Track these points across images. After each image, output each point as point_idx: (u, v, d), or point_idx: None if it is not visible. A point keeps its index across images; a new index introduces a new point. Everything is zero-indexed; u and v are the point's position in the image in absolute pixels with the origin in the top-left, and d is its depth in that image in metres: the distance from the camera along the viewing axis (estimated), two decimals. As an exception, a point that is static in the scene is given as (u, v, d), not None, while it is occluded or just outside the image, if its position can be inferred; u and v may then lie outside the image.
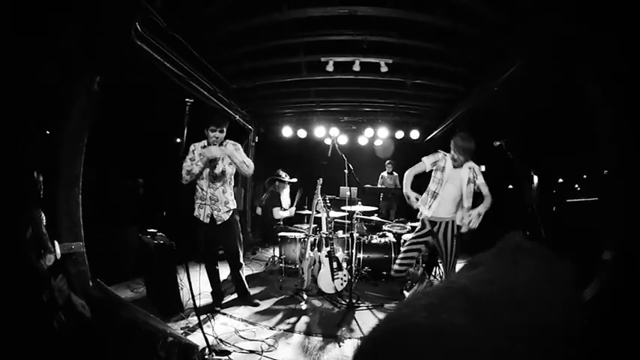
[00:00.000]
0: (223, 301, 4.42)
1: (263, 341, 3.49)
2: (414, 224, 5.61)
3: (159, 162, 6.76)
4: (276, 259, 6.15)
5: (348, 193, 5.92)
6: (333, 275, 4.56)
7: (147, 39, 3.88)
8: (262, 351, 3.29)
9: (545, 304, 0.61)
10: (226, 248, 4.30)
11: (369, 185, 8.50)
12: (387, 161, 9.40)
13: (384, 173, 9.44)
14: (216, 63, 5.42)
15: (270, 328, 3.85)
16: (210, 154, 3.88)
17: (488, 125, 7.16)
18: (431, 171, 4.09)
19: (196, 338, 3.26)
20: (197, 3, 3.98)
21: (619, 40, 3.32)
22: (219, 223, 4.11)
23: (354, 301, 4.42)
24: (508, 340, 0.53)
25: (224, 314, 4.18)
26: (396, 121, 8.69)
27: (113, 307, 2.65)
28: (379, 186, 9.25)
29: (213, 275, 4.34)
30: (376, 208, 6.66)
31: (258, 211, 7.02)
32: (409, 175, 4.14)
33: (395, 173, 9.38)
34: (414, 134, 8.69)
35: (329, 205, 4.91)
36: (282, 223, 6.50)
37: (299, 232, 5.92)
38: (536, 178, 11.38)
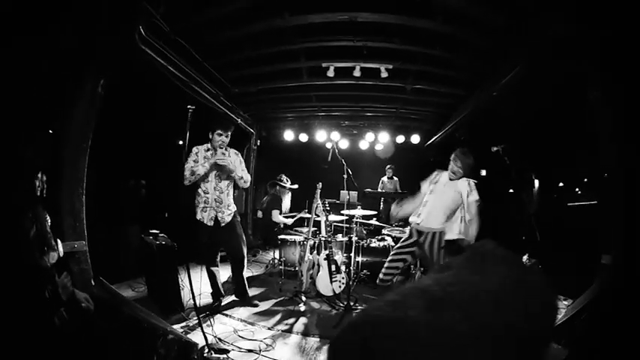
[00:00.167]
0: (223, 302, 4.46)
1: (261, 341, 3.55)
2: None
3: (160, 163, 6.82)
4: (276, 261, 6.21)
5: (348, 197, 5.97)
6: (331, 278, 4.61)
7: (150, 43, 3.95)
8: (260, 350, 3.36)
9: (506, 307, 0.67)
10: (230, 249, 4.34)
11: (369, 189, 8.54)
12: (388, 166, 9.44)
13: (385, 178, 9.47)
14: (218, 67, 5.49)
15: (269, 329, 3.90)
16: (224, 162, 3.97)
17: (489, 130, 7.20)
18: None
19: (196, 337, 3.32)
20: (200, 8, 4.03)
21: (619, 40, 3.32)
22: (223, 224, 4.17)
23: (351, 303, 4.46)
24: (456, 334, 0.59)
25: (223, 314, 4.24)
26: (396, 126, 8.74)
27: (115, 304, 2.71)
28: (379, 190, 9.28)
29: (213, 276, 4.38)
30: (376, 212, 6.70)
31: (259, 214, 7.07)
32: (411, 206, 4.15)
33: (395, 178, 9.41)
34: (415, 139, 8.73)
35: (328, 209, 4.98)
36: (282, 226, 6.56)
37: (299, 235, 5.98)
38: (537, 182, 11.42)
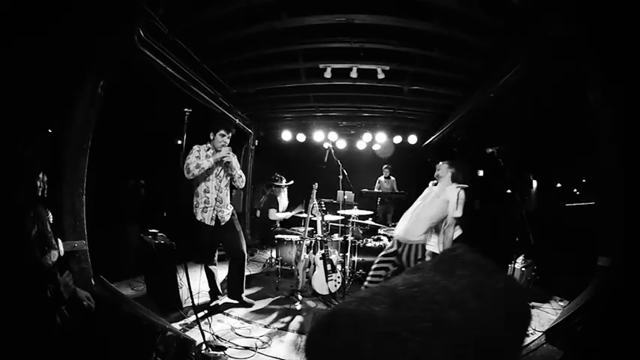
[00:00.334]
0: (221, 300, 4.50)
1: (258, 339, 3.61)
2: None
3: (160, 163, 6.87)
4: (273, 260, 6.26)
5: (345, 197, 6.03)
6: (326, 277, 4.68)
7: (149, 44, 3.98)
8: (256, 348, 3.42)
9: (463, 308, 0.73)
10: (231, 248, 4.38)
11: (365, 189, 8.59)
12: (385, 166, 9.48)
13: (382, 178, 9.50)
14: (217, 68, 5.53)
15: (265, 327, 3.97)
16: (229, 159, 4.07)
17: (486, 130, 7.24)
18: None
19: (194, 334, 3.39)
20: (198, 10, 4.07)
21: (619, 40, 3.33)
22: (223, 224, 4.23)
23: (347, 302, 4.50)
24: (413, 329, 0.66)
25: (221, 312, 4.29)
26: (394, 126, 8.79)
27: (115, 302, 2.77)
28: (376, 190, 9.33)
29: (211, 275, 4.43)
30: (372, 212, 6.77)
31: (257, 213, 7.13)
32: None
33: (392, 178, 9.45)
34: (412, 139, 8.79)
35: (324, 209, 5.04)
36: (279, 225, 6.61)
37: (295, 234, 6.04)
38: (535, 183, 11.49)
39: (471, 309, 0.71)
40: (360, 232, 6.70)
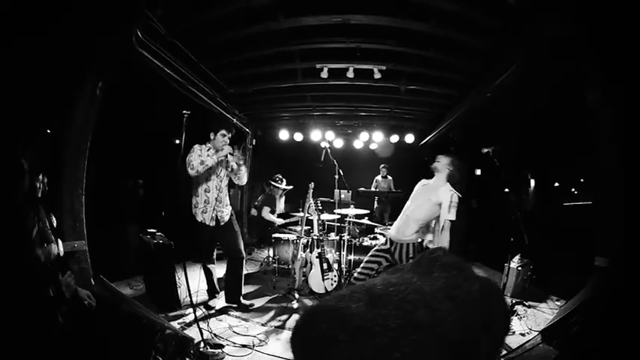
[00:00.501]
0: (218, 305, 4.51)
1: (255, 336, 3.67)
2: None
3: (158, 162, 6.89)
4: (270, 259, 6.31)
5: (342, 196, 6.07)
6: (323, 276, 4.73)
7: (147, 45, 4.01)
8: (254, 345, 3.48)
9: (435, 309, 0.78)
10: (229, 248, 4.39)
11: (362, 189, 8.62)
12: (382, 165, 9.51)
13: (379, 177, 9.53)
14: (214, 68, 5.55)
15: (262, 325, 4.02)
16: (233, 158, 4.16)
17: (483, 130, 7.28)
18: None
19: (192, 332, 3.45)
20: (196, 11, 4.08)
21: (619, 40, 3.34)
22: (222, 224, 4.25)
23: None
24: (385, 326, 0.71)
25: (219, 311, 4.34)
26: (391, 126, 8.82)
27: (115, 301, 2.81)
28: (373, 189, 9.36)
29: (209, 273, 4.48)
30: (368, 211, 6.81)
31: (253, 212, 7.17)
32: None
33: (389, 177, 9.48)
34: (409, 138, 8.82)
35: (320, 208, 5.08)
36: (276, 225, 6.65)
37: (292, 233, 6.08)
38: (533, 182, 11.53)
39: (442, 309, 0.76)
40: (357, 231, 6.75)
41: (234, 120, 7.38)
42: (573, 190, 11.40)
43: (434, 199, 3.66)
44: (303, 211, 5.59)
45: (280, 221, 6.66)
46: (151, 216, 6.46)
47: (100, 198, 4.57)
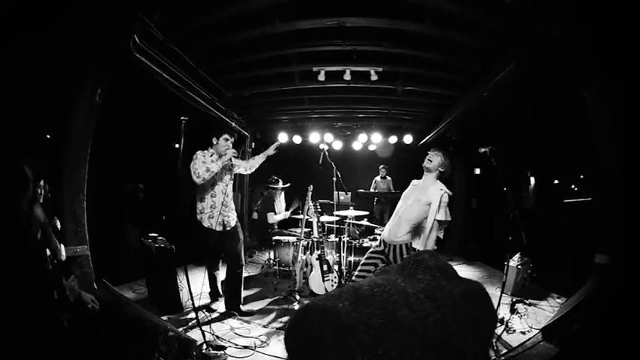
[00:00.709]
0: (220, 302, 4.55)
1: (257, 338, 3.71)
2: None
3: (159, 165, 6.93)
4: (271, 261, 6.34)
5: (342, 198, 6.10)
6: (323, 277, 4.76)
7: (145, 51, 4.04)
8: (255, 347, 3.51)
9: (416, 310, 0.82)
10: (231, 254, 4.34)
11: (362, 190, 8.63)
12: (381, 166, 9.53)
13: (378, 178, 9.56)
14: (212, 73, 5.59)
15: (264, 326, 4.06)
16: (237, 161, 4.31)
17: (481, 130, 7.31)
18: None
19: (195, 334, 3.48)
20: (194, 15, 4.11)
21: (619, 40, 3.34)
22: (229, 229, 4.25)
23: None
24: (368, 325, 0.76)
25: (221, 313, 4.37)
26: (389, 127, 8.82)
27: (118, 304, 2.85)
28: (372, 190, 9.37)
29: (214, 279, 4.53)
30: (368, 212, 6.83)
31: (254, 215, 7.20)
32: None
33: (388, 177, 9.51)
34: (408, 139, 8.82)
35: (319, 210, 5.11)
36: (276, 227, 6.68)
37: (292, 235, 6.12)
38: (532, 180, 11.54)
39: (424, 310, 0.80)
40: (357, 232, 6.77)
41: (233, 124, 7.42)
42: (573, 187, 11.40)
43: (423, 199, 3.61)
44: (302, 213, 5.62)
45: (287, 214, 6.66)
46: (151, 220, 6.48)
47: (101, 202, 4.59)
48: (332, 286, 4.79)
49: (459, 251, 8.41)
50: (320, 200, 5.33)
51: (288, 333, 0.84)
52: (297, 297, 4.86)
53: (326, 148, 5.78)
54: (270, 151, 4.81)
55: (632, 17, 3.15)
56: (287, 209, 6.89)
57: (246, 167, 4.71)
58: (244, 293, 4.65)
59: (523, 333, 3.92)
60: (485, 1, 3.73)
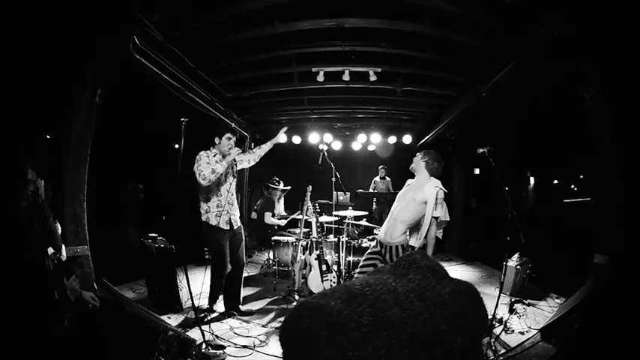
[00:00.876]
0: (220, 301, 4.50)
1: (256, 337, 3.72)
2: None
3: (159, 164, 6.93)
4: (270, 261, 6.36)
5: (341, 198, 6.10)
6: (322, 277, 4.77)
7: (145, 52, 4.05)
8: (254, 346, 3.53)
9: (405, 308, 0.84)
10: (234, 253, 4.30)
11: (361, 190, 8.64)
12: (380, 166, 9.52)
13: (377, 178, 9.55)
14: (212, 73, 5.60)
15: (263, 326, 4.08)
16: (241, 157, 4.34)
17: (480, 129, 7.32)
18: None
19: (194, 334, 3.49)
20: (193, 16, 4.12)
21: (619, 40, 3.34)
22: (236, 227, 4.26)
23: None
24: (359, 322, 0.77)
25: (221, 313, 4.38)
26: (388, 127, 8.84)
27: (118, 304, 2.86)
28: (371, 191, 9.38)
29: (223, 279, 4.47)
30: (367, 213, 6.83)
31: (253, 215, 7.20)
32: None
33: (388, 178, 9.49)
34: (407, 139, 8.82)
35: (318, 210, 5.12)
36: (276, 227, 6.69)
37: (291, 236, 6.13)
38: (532, 180, 11.55)
39: (413, 309, 0.82)
40: (356, 232, 6.79)
41: (233, 124, 7.42)
42: (573, 186, 11.40)
43: (419, 198, 3.62)
44: (301, 214, 5.64)
45: (283, 222, 6.68)
46: (151, 220, 6.49)
47: (101, 202, 4.59)
48: (331, 286, 4.80)
49: (459, 251, 8.43)
50: (319, 200, 5.33)
51: (283, 332, 0.86)
52: (296, 297, 4.88)
53: (325, 148, 5.79)
54: (279, 136, 4.84)
55: (632, 17, 3.15)
56: (286, 216, 6.90)
57: (250, 159, 4.73)
58: (244, 293, 4.67)
59: (522, 333, 3.91)
60: (485, 1, 3.73)
